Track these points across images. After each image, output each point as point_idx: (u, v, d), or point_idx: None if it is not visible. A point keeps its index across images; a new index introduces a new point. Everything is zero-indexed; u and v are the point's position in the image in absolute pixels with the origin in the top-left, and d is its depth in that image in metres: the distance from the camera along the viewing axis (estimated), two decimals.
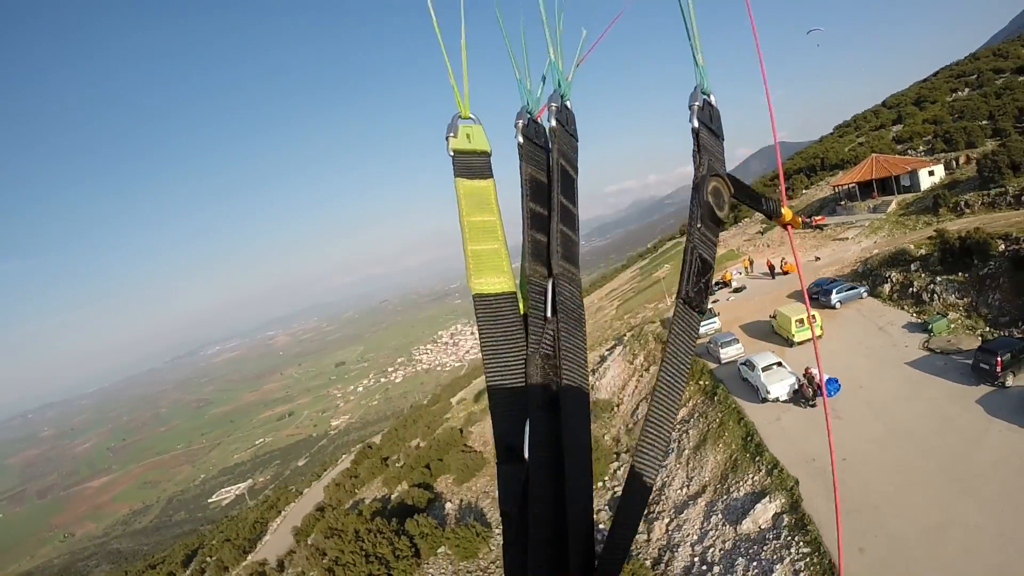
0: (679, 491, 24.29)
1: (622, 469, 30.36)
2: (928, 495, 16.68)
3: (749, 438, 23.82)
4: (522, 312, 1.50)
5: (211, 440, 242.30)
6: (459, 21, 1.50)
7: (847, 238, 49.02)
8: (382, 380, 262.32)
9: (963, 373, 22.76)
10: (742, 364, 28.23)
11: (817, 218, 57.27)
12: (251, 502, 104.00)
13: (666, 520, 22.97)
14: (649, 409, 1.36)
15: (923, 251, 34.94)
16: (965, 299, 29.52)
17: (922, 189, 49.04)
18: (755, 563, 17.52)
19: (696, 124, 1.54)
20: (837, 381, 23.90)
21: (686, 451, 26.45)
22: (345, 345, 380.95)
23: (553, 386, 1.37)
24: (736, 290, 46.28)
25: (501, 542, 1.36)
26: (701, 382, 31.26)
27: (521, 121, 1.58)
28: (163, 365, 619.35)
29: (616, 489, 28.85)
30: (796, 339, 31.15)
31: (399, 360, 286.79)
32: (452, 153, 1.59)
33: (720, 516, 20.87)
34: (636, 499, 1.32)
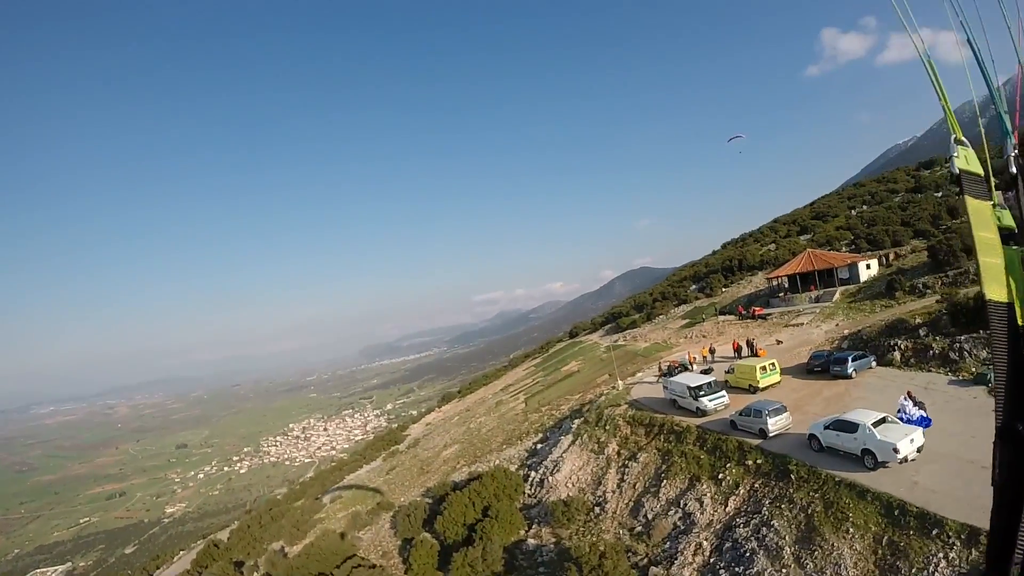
0: None
1: None
2: None
3: (898, 511, 17.25)
4: (1019, 321, 1.90)
5: (31, 511, 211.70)
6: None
7: (801, 323, 47.62)
8: (225, 469, 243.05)
9: None
10: (826, 428, 21.74)
11: (756, 309, 56.33)
12: None
13: None
14: None
15: (919, 319, 33.08)
16: None
17: (862, 280, 50.00)
18: None
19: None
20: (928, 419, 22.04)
21: (785, 549, 18.47)
22: (190, 426, 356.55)
23: None
24: (704, 371, 41.77)
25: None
26: (749, 462, 24.08)
27: (1012, 155, 2.09)
28: None
29: None
30: (761, 385, 32.76)
31: (246, 449, 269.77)
32: (958, 171, 2.04)
33: None
34: None
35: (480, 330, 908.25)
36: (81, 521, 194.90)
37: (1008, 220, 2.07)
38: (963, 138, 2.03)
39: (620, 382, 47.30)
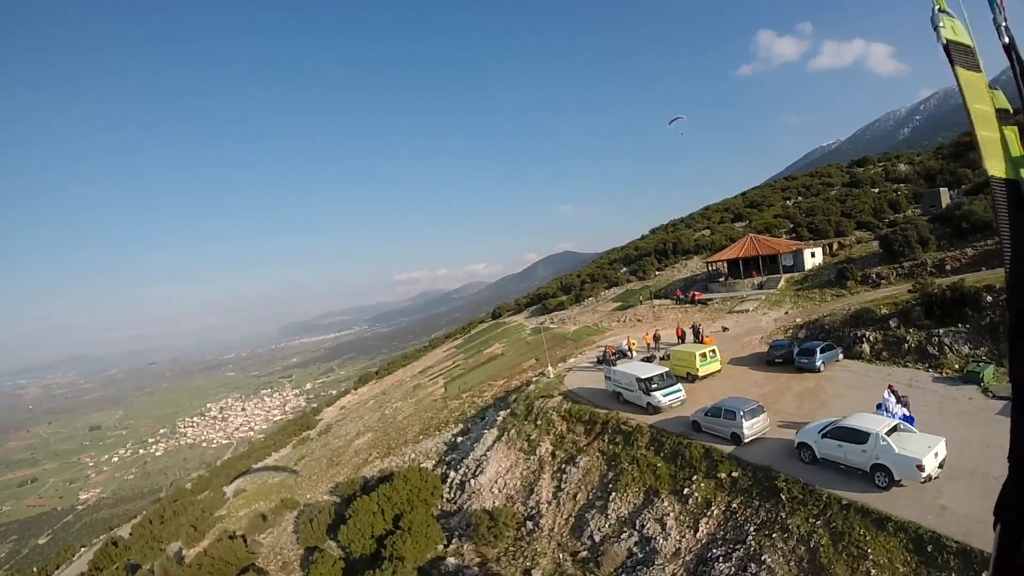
0: None
1: None
2: None
3: (931, 547, 13.36)
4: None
5: None
6: None
7: (747, 310, 44.85)
8: (141, 452, 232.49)
9: None
10: (823, 436, 17.52)
11: (695, 293, 53.48)
12: None
13: None
14: None
15: (885, 310, 30.33)
16: (981, 348, 24.60)
17: (807, 268, 48.09)
18: None
19: None
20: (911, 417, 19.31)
21: None
22: (103, 407, 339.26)
23: None
24: (646, 359, 37.96)
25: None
26: (721, 474, 19.67)
27: (1003, 25, 1.82)
28: None
29: None
30: (700, 373, 30.62)
31: (161, 431, 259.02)
32: (945, 42, 1.79)
33: None
34: None
35: (401, 309, 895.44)
36: None
37: (1003, 101, 1.90)
38: (948, 8, 1.82)
39: (551, 368, 42.64)
